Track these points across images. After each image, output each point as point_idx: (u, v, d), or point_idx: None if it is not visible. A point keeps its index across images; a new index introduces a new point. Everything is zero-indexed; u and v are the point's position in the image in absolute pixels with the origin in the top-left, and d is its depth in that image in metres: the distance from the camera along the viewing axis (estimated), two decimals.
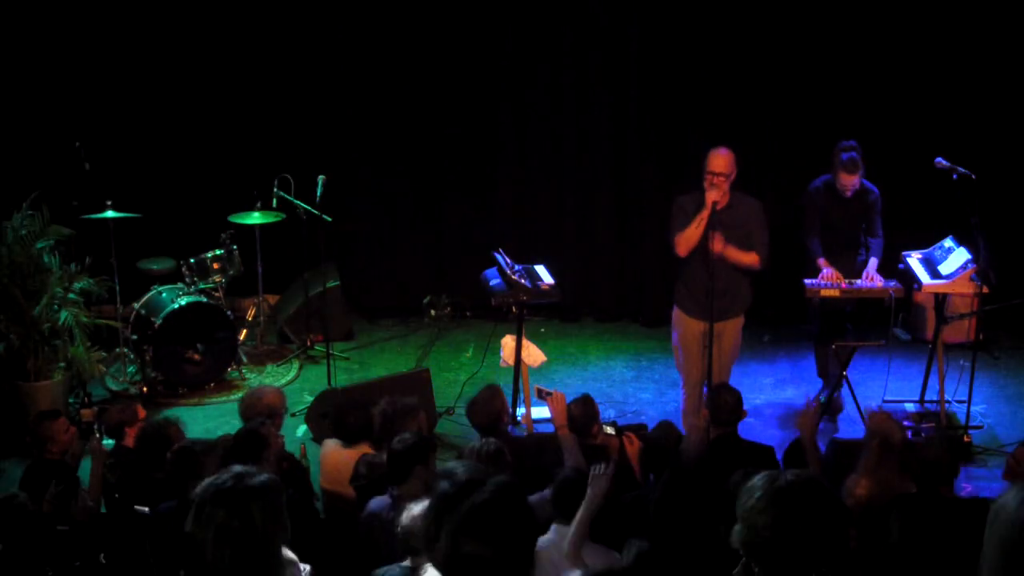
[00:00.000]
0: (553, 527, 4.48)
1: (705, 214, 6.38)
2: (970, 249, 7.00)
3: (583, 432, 5.56)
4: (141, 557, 4.45)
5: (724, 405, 5.44)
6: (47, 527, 4.61)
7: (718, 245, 6.36)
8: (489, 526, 2.59)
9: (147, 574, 4.38)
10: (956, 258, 7.10)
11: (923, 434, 6.49)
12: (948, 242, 7.26)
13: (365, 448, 5.59)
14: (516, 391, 7.21)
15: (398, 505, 4.41)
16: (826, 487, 2.60)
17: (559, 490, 4.57)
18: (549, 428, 5.94)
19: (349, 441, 5.66)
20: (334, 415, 5.92)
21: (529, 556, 2.69)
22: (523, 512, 2.70)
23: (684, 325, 6.74)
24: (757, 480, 2.58)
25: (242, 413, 5.72)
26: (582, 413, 5.62)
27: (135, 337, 8.05)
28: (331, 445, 5.77)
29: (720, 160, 6.45)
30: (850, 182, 7.01)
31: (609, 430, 5.70)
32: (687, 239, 6.48)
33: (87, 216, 7.94)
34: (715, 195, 6.37)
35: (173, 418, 5.59)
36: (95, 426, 6.55)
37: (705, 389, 6.40)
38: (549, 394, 5.79)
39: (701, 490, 4.47)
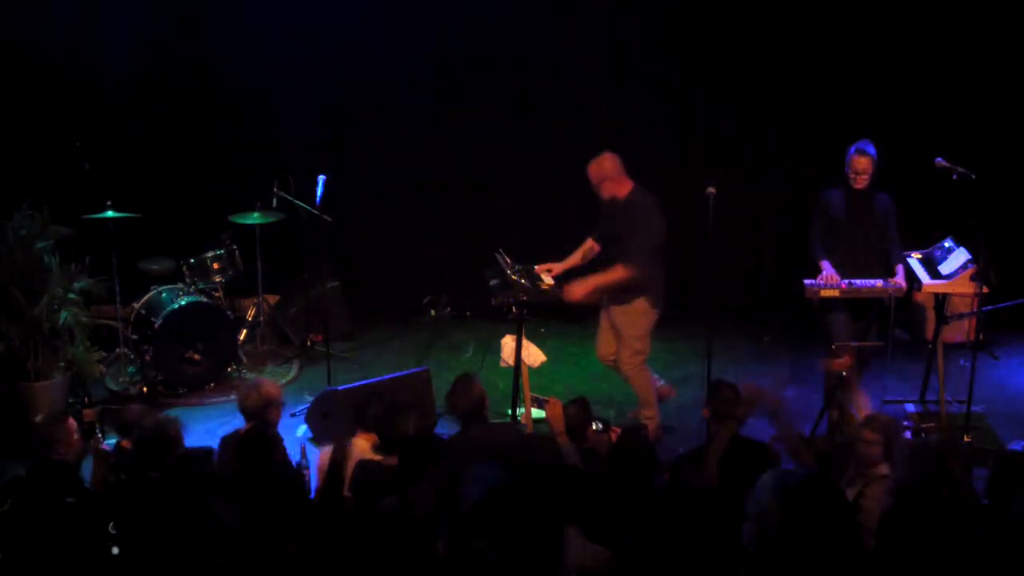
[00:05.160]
0: None
1: None
2: (970, 249, 6.99)
3: (577, 435, 5.50)
4: (150, 526, 4.47)
5: (724, 399, 5.43)
6: (55, 498, 4.63)
7: (576, 294, 6.82)
8: (493, 524, 2.59)
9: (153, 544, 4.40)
10: (956, 258, 7.10)
11: (923, 435, 6.49)
12: (948, 242, 7.26)
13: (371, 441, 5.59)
14: (516, 391, 7.21)
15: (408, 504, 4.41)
16: (835, 485, 2.61)
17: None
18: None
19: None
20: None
21: (539, 555, 2.69)
22: (529, 512, 2.70)
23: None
24: (766, 478, 2.59)
25: (239, 403, 5.77)
26: (577, 414, 5.56)
27: (135, 337, 8.05)
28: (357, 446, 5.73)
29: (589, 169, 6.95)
30: (861, 165, 6.81)
31: (596, 425, 5.68)
32: None
33: (87, 216, 7.94)
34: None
35: (173, 418, 5.56)
36: (96, 426, 6.55)
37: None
38: (545, 401, 5.76)
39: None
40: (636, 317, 6.91)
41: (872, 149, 6.85)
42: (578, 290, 6.84)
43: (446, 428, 7.28)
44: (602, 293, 6.95)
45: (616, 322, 7.01)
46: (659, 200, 6.91)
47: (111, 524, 4.47)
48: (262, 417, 5.65)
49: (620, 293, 6.90)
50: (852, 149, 6.88)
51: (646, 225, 6.74)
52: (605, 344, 7.19)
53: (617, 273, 6.77)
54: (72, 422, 5.54)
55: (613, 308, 6.99)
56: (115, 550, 4.38)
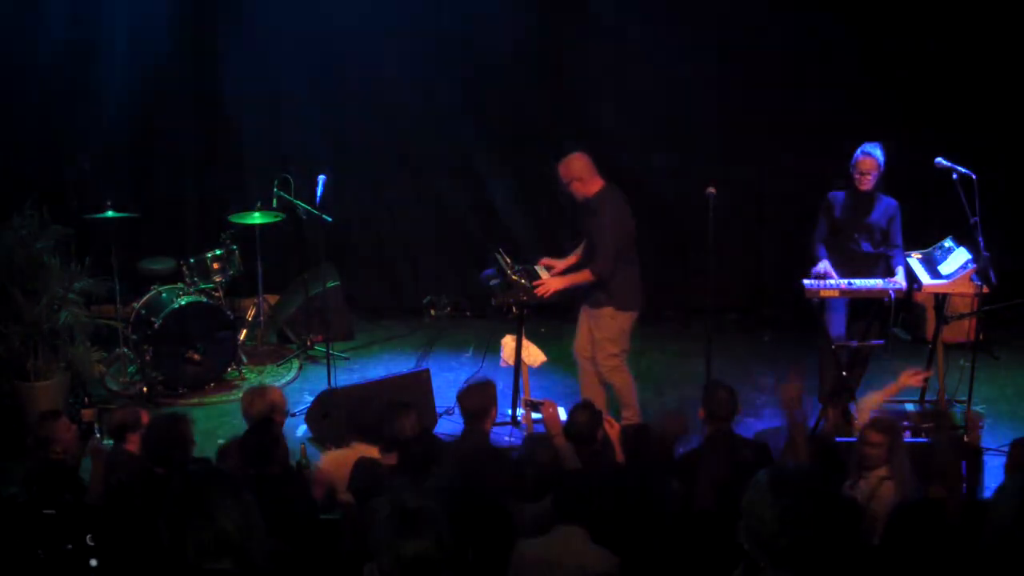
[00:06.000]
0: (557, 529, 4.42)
1: None
2: (970, 249, 6.98)
3: (588, 439, 5.46)
4: (131, 540, 4.46)
5: (720, 401, 5.42)
6: (35, 510, 4.62)
7: (550, 288, 6.85)
8: (424, 524, 2.60)
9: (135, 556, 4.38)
10: (956, 258, 7.09)
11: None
12: (948, 242, 7.25)
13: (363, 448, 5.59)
14: (516, 391, 7.22)
15: None
16: (829, 482, 2.61)
17: (563, 492, 4.50)
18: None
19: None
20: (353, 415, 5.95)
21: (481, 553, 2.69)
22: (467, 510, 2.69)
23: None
24: (761, 474, 2.59)
25: (244, 410, 5.75)
26: (587, 422, 5.52)
27: (135, 337, 8.05)
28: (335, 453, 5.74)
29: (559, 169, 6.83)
30: (865, 166, 6.80)
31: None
32: None
33: (87, 216, 7.94)
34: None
35: (182, 413, 5.55)
36: (95, 426, 6.54)
37: None
38: (540, 403, 5.75)
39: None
40: (604, 320, 6.94)
41: (879, 151, 6.83)
42: (553, 285, 6.90)
43: (446, 427, 7.31)
44: (575, 291, 7.01)
45: (589, 324, 7.05)
46: (627, 199, 6.92)
47: (88, 536, 4.45)
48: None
49: (590, 294, 6.95)
50: (859, 151, 6.88)
51: (611, 227, 6.77)
52: (580, 339, 7.20)
53: (585, 275, 6.83)
54: (64, 420, 5.53)
55: (586, 308, 7.05)
56: (93, 562, 4.36)
